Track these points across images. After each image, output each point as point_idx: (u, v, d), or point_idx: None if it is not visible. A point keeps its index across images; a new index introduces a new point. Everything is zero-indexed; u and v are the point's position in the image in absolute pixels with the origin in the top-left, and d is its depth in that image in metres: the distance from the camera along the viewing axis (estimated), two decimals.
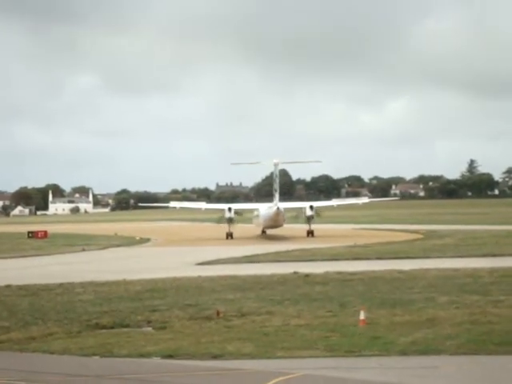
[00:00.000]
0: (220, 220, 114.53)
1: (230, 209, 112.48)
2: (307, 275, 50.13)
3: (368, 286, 44.78)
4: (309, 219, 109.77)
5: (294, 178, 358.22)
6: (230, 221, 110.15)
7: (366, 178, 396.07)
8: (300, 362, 25.85)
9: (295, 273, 51.65)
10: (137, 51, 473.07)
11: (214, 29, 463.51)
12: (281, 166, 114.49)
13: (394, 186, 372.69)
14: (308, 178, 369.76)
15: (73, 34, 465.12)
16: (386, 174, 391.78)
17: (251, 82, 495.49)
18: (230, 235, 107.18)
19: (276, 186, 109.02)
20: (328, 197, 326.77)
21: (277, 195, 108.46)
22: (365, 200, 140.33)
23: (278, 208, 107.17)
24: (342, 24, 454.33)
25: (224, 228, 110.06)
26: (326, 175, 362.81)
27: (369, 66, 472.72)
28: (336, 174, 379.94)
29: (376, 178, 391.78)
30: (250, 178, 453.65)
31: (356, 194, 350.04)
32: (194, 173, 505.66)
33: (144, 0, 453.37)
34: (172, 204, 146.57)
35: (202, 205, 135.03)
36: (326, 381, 23.38)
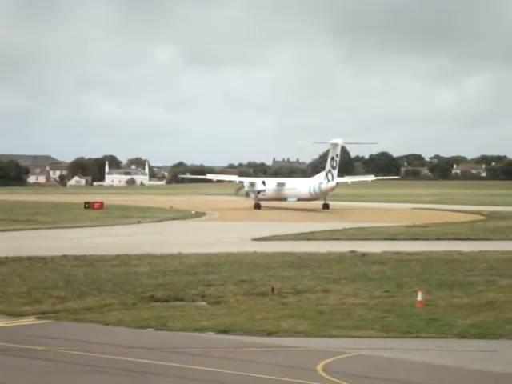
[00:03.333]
0: (238, 192, 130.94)
1: (263, 182, 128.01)
2: (364, 254, 49.64)
3: (426, 266, 44.15)
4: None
5: (353, 155, 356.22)
6: (259, 193, 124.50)
7: (426, 156, 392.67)
8: (355, 342, 25.52)
9: (352, 251, 51.15)
10: (218, 24, 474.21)
11: (295, 3, 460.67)
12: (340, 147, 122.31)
13: (455, 166, 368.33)
14: (366, 156, 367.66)
15: (158, 5, 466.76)
16: (447, 153, 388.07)
17: (327, 59, 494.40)
18: (257, 206, 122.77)
19: (334, 163, 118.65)
20: (386, 175, 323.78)
21: (335, 172, 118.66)
22: (372, 177, 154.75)
23: (337, 183, 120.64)
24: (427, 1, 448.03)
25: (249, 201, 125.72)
26: (385, 153, 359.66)
27: (450, 42, 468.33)
28: (396, 152, 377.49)
29: (437, 156, 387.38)
30: (307, 155, 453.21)
31: (415, 173, 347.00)
32: (253, 147, 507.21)
33: None
34: (209, 176, 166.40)
35: (235, 177, 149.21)
36: (381, 361, 23.03)
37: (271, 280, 38.06)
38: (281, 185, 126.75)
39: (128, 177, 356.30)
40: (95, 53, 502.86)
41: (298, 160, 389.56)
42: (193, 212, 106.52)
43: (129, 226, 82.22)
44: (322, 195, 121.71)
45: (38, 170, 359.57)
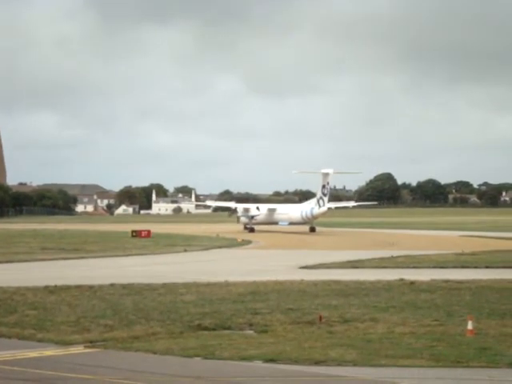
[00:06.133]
0: (234, 217, 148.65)
1: (257, 207, 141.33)
2: (413, 282, 49.09)
3: (476, 295, 43.45)
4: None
5: (400, 182, 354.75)
6: (253, 218, 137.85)
7: (475, 183, 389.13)
8: (404, 371, 25.17)
9: (400, 279, 50.66)
10: (282, 54, 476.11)
11: (360, 32, 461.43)
12: (333, 176, 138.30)
13: (504, 193, 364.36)
14: (414, 183, 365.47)
15: (232, 36, 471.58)
16: (496, 181, 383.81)
17: (388, 87, 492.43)
18: (251, 229, 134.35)
19: (325, 190, 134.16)
20: (434, 202, 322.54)
21: (326, 198, 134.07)
22: (353, 203, 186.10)
23: (328, 208, 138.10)
24: (493, 29, 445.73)
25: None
26: (432, 180, 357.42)
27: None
28: (444, 179, 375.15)
29: (485, 184, 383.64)
30: (354, 182, 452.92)
31: (463, 201, 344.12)
32: (303, 175, 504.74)
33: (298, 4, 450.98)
34: (208, 203, 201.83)
35: (232, 204, 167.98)
36: None
37: (319, 308, 37.83)
38: (273, 210, 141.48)
39: (175, 205, 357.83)
40: (158, 83, 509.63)
41: (344, 187, 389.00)
42: (239, 240, 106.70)
43: (175, 254, 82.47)
44: (313, 219, 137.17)
45: (85, 199, 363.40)
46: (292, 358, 27.08)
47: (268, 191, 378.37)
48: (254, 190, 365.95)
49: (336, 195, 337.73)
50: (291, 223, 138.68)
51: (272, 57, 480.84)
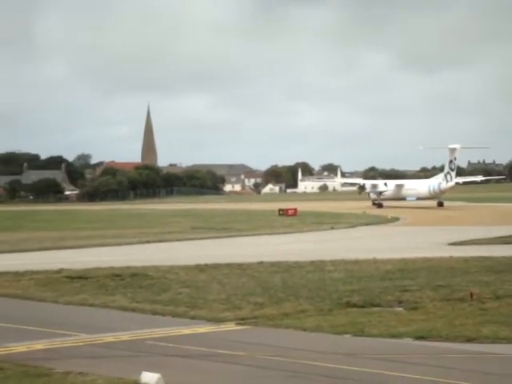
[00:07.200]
0: (360, 193, 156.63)
1: (385, 183, 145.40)
2: None
3: None
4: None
5: None
6: (381, 193, 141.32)
7: None
8: None
9: None
10: (433, 27, 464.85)
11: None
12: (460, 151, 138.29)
13: None
14: None
15: (376, 11, 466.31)
16: None
17: None
18: (379, 205, 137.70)
19: (453, 165, 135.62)
20: None
21: (453, 173, 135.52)
22: (481, 177, 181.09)
23: (456, 183, 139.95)
24: None
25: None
26: None
27: None
28: None
29: None
30: (506, 156, 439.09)
31: None
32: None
33: None
34: (336, 180, 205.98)
35: (360, 180, 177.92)
36: None
37: (469, 285, 37.09)
38: (401, 186, 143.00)
39: (321, 183, 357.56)
40: (306, 62, 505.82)
41: (494, 161, 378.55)
42: (388, 217, 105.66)
43: (322, 232, 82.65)
44: (440, 194, 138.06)
45: (233, 179, 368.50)
46: (443, 335, 26.76)
47: (415, 167, 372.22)
48: (400, 167, 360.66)
49: (485, 169, 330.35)
50: (419, 198, 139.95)
51: (423, 31, 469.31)
